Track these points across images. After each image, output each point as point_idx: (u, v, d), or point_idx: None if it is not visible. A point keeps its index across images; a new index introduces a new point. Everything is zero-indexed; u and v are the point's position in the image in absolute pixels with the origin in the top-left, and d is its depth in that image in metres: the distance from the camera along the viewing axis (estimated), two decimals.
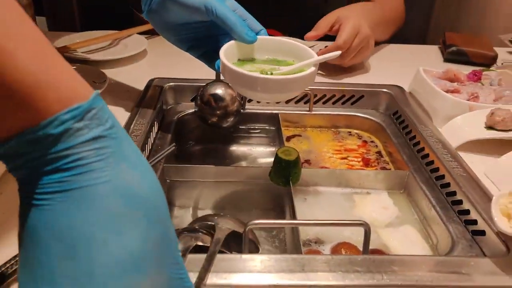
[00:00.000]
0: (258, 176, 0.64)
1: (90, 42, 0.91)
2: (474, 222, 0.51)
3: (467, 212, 0.53)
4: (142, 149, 0.62)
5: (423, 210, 0.59)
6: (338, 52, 0.49)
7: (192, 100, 0.80)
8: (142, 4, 0.55)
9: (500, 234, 0.47)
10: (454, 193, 0.56)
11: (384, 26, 1.02)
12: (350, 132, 0.81)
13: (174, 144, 0.61)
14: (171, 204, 0.65)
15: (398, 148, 0.70)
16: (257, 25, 0.53)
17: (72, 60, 0.86)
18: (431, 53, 1.09)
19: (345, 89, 0.82)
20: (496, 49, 1.05)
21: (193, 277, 0.39)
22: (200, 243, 0.43)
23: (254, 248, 0.45)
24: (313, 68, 0.48)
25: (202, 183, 0.65)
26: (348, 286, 0.40)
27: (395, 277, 0.41)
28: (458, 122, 0.68)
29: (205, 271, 0.39)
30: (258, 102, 0.78)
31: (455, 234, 0.51)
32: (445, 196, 0.58)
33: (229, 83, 0.53)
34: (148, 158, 0.64)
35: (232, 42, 0.51)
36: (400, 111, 0.77)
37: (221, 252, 0.43)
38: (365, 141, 0.79)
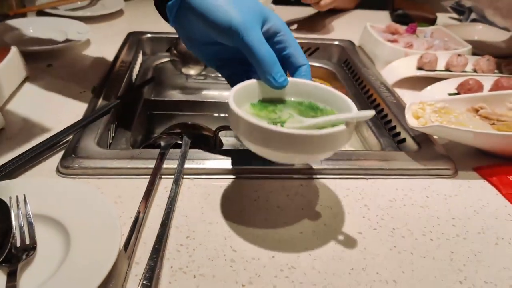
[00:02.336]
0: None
1: (70, 0, 0.99)
2: (398, 134, 0.64)
3: (394, 127, 0.66)
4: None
5: (363, 132, 0.72)
6: (372, 112, 0.36)
7: (167, 51, 0.90)
8: (167, 11, 0.44)
9: (415, 139, 0.60)
10: (386, 116, 0.69)
11: None
12: None
13: (118, 100, 0.64)
14: (151, 132, 0.76)
15: (347, 89, 0.83)
16: (300, 58, 0.43)
17: (55, 15, 0.94)
18: (381, 16, 1.22)
19: (302, 42, 0.93)
20: (439, 14, 1.20)
21: (174, 164, 0.50)
22: (179, 142, 0.54)
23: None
24: (343, 127, 0.36)
25: (178, 115, 0.76)
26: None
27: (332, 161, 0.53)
28: (394, 65, 0.81)
29: (181, 163, 0.50)
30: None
31: (384, 144, 0.64)
32: (380, 119, 0.71)
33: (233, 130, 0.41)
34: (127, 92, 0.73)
35: (253, 80, 0.42)
36: (349, 60, 0.89)
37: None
38: None
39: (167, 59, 0.88)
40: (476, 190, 0.53)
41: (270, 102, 0.43)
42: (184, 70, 0.87)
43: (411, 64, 0.81)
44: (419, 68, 0.79)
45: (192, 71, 0.87)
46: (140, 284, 0.36)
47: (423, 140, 0.59)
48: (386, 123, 0.69)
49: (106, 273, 0.35)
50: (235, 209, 0.46)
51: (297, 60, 0.43)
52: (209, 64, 0.50)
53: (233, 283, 0.38)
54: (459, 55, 0.79)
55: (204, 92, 0.90)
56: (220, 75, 0.87)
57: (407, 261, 0.42)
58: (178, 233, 0.43)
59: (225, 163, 0.52)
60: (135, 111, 0.68)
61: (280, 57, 0.42)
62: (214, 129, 0.58)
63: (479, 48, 0.86)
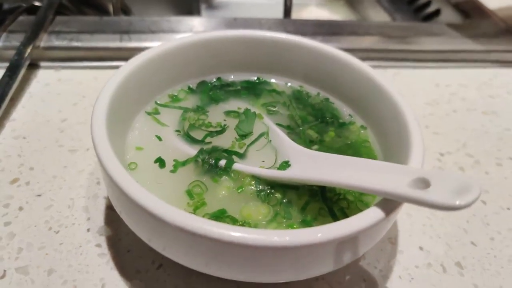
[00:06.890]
0: None
1: None
2: (427, 4, 0.40)
3: None
4: None
5: (363, 10, 0.48)
6: (477, 191, 0.12)
7: None
8: None
9: (459, 7, 0.36)
10: None
11: None
12: None
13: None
14: None
15: None
16: None
17: None
18: None
19: None
20: None
21: (19, 39, 0.26)
22: (37, 3, 0.29)
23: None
24: (378, 214, 0.14)
25: None
26: None
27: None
28: None
29: (30, 37, 0.26)
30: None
31: (405, 21, 0.40)
32: None
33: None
34: None
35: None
36: None
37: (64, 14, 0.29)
38: None
39: None
40: None
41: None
42: None
43: None
44: None
45: None
46: None
47: (473, 8, 0.36)
48: None
49: None
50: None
51: None
52: None
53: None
54: None
55: None
56: None
57: (478, 217, 0.20)
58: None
59: (116, 38, 0.27)
60: None
61: None
62: None
63: None
